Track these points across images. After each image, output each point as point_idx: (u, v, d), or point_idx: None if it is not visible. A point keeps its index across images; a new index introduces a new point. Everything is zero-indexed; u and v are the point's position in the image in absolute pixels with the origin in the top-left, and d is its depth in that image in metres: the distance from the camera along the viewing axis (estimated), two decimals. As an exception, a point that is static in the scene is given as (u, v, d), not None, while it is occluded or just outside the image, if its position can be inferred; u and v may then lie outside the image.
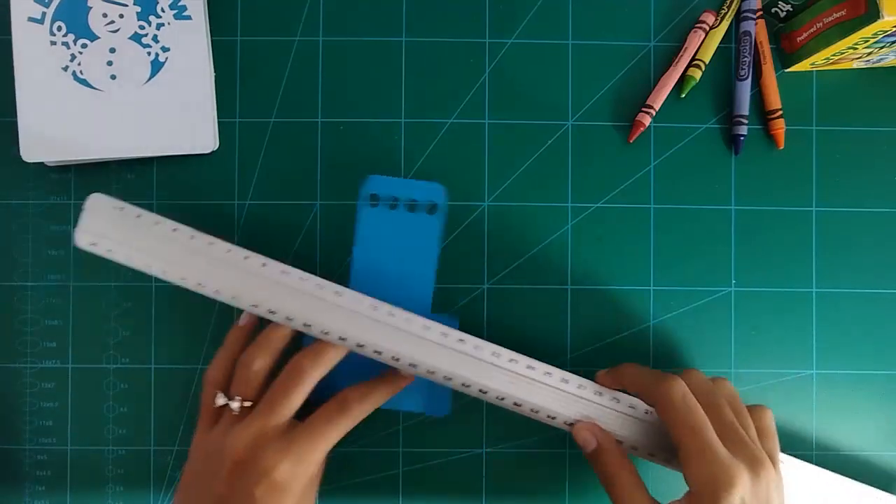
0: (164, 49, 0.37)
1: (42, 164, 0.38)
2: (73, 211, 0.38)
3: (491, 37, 0.39)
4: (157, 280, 0.38)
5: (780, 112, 0.38)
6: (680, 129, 0.39)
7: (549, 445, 0.38)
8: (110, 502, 0.38)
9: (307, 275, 0.32)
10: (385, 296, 0.33)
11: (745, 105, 0.38)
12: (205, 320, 0.38)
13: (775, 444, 0.33)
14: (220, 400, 0.32)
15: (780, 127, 0.38)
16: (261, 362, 0.32)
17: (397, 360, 0.32)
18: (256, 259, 0.33)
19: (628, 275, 0.38)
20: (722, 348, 0.39)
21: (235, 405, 0.31)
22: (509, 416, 0.38)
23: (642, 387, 0.32)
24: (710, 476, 0.29)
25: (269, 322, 0.33)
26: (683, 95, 0.38)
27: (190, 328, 0.38)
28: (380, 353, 0.32)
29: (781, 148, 0.39)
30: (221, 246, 0.33)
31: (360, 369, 0.34)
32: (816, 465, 0.37)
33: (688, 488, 0.30)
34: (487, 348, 0.32)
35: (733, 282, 0.39)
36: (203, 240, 0.33)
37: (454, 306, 0.38)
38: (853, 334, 0.39)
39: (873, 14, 0.32)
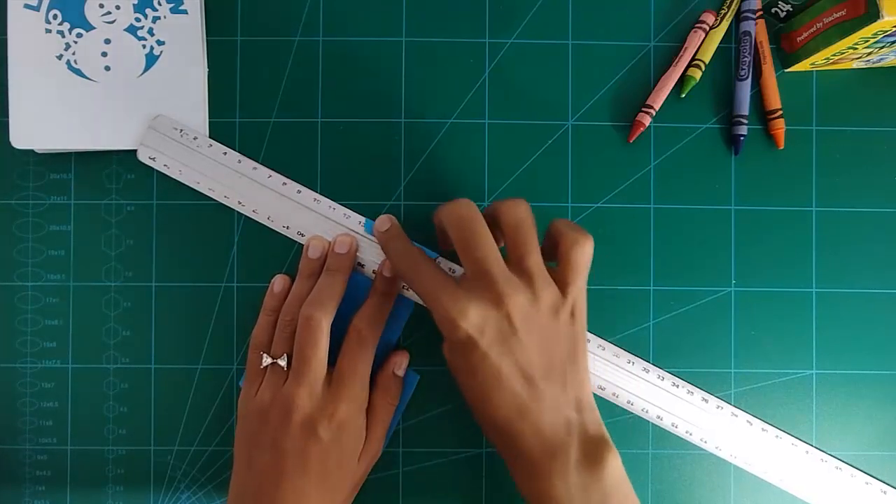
0: (160, 42, 0.37)
1: (43, 166, 0.38)
2: (73, 211, 0.38)
3: (491, 37, 0.39)
4: (157, 280, 0.38)
5: (780, 112, 0.38)
6: (680, 129, 0.39)
7: (549, 445, 0.38)
8: (110, 502, 0.38)
9: (336, 204, 0.37)
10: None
11: (745, 105, 0.38)
12: (205, 320, 0.38)
13: (575, 272, 0.31)
14: (266, 360, 0.34)
15: (780, 127, 0.38)
16: (296, 321, 0.34)
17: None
18: (293, 186, 0.37)
19: (628, 275, 0.38)
20: (722, 348, 0.39)
21: (283, 362, 0.34)
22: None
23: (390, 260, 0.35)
24: (438, 319, 0.31)
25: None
26: (683, 95, 0.38)
27: (190, 328, 0.38)
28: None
29: (781, 148, 0.39)
30: (263, 171, 0.37)
31: (360, 292, 0.36)
32: (816, 465, 0.37)
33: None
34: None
35: (733, 282, 0.39)
36: (248, 164, 0.37)
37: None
38: (853, 334, 0.39)
39: (873, 14, 0.32)
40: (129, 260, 0.38)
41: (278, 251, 0.38)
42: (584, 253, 0.31)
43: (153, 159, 0.37)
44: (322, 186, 0.38)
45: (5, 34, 0.37)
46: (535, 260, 0.31)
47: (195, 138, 0.37)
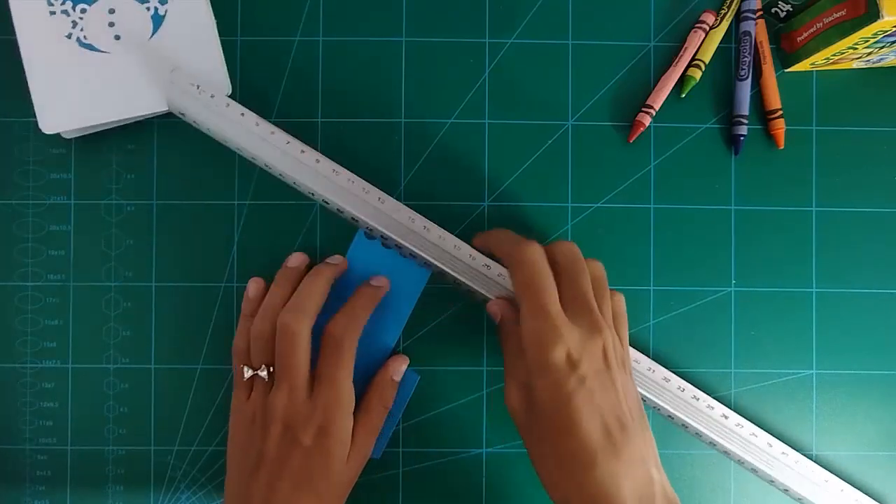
0: (162, 2, 0.37)
1: (43, 166, 0.38)
2: (73, 211, 0.38)
3: (491, 37, 0.39)
4: (157, 280, 0.38)
5: (780, 112, 0.38)
6: (680, 129, 0.39)
7: (549, 445, 0.38)
8: (110, 502, 0.38)
9: (355, 177, 0.36)
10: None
11: (745, 105, 0.38)
12: (205, 320, 0.38)
13: (625, 327, 0.34)
14: (248, 373, 0.34)
15: (780, 127, 0.38)
16: (268, 328, 0.34)
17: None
18: (311, 154, 0.36)
19: (628, 275, 0.38)
20: (722, 348, 0.39)
21: (263, 373, 0.34)
22: (509, 416, 0.38)
23: (502, 251, 0.34)
24: (538, 332, 0.30)
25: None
26: (683, 95, 0.38)
27: (190, 328, 0.38)
28: (414, 257, 0.36)
29: (781, 148, 0.39)
30: (281, 137, 0.36)
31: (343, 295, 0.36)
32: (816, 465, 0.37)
33: None
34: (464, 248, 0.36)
35: (733, 282, 0.39)
36: (266, 128, 0.36)
37: (455, 308, 0.38)
38: (853, 334, 0.39)
39: (873, 14, 0.32)
40: (129, 260, 0.38)
41: (278, 251, 0.38)
42: (623, 303, 0.34)
43: (183, 115, 0.37)
44: (322, 186, 0.38)
45: (12, 25, 0.37)
46: (607, 312, 0.32)
47: (212, 96, 0.36)
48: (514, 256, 0.33)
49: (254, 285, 0.37)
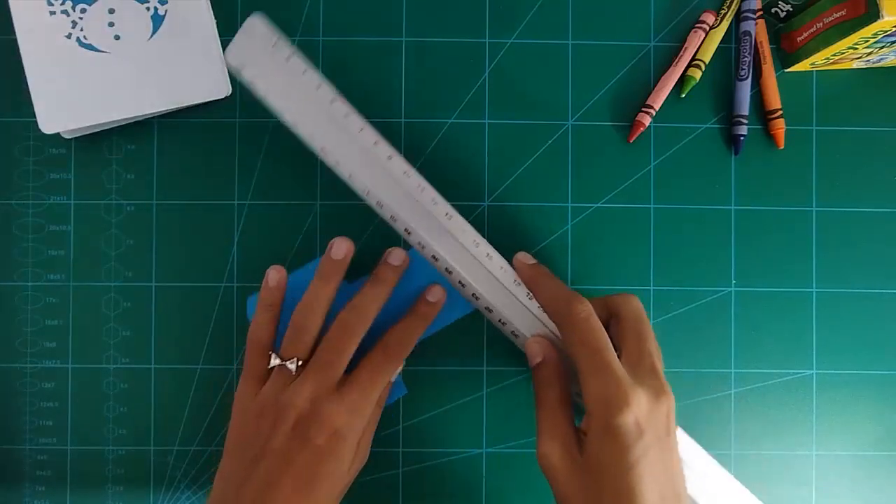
0: (162, 2, 0.37)
1: (43, 166, 0.38)
2: (73, 211, 0.38)
3: (491, 37, 0.39)
4: (157, 280, 0.38)
5: (780, 112, 0.38)
6: (680, 129, 0.39)
7: (549, 445, 0.38)
8: (110, 502, 0.38)
9: (426, 184, 0.33)
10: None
11: (745, 105, 0.38)
12: (205, 320, 0.38)
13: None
14: (275, 361, 0.33)
15: (780, 127, 0.38)
16: (313, 323, 0.33)
17: (462, 285, 0.34)
18: (385, 149, 0.32)
19: (628, 275, 0.38)
20: (722, 348, 0.39)
21: (293, 366, 0.32)
22: (509, 416, 0.38)
23: (551, 308, 0.33)
24: (605, 392, 0.29)
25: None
26: (683, 95, 0.38)
27: (190, 328, 0.38)
28: (463, 285, 0.34)
29: (781, 148, 0.39)
30: (356, 122, 0.32)
31: (395, 313, 0.35)
32: (816, 465, 0.37)
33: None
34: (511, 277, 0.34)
35: (733, 282, 0.39)
36: (341, 109, 0.32)
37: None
38: (853, 334, 0.39)
39: (873, 14, 0.32)
40: (129, 260, 0.38)
41: (278, 251, 0.38)
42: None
43: (241, 69, 0.32)
44: (322, 186, 0.38)
45: (12, 25, 0.37)
46: (661, 367, 0.32)
47: (288, 58, 0.32)
48: (566, 316, 0.32)
49: (275, 274, 0.35)
